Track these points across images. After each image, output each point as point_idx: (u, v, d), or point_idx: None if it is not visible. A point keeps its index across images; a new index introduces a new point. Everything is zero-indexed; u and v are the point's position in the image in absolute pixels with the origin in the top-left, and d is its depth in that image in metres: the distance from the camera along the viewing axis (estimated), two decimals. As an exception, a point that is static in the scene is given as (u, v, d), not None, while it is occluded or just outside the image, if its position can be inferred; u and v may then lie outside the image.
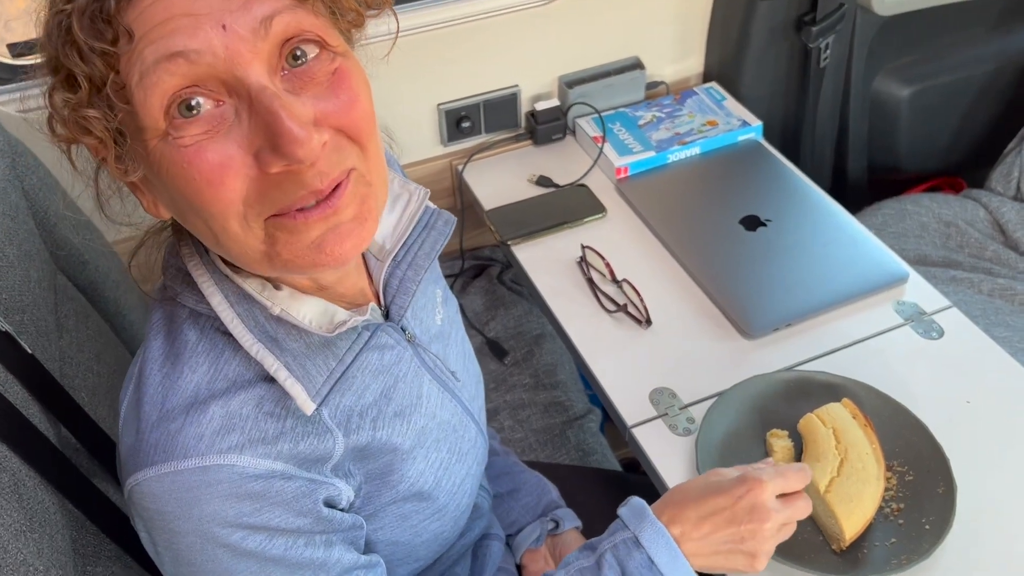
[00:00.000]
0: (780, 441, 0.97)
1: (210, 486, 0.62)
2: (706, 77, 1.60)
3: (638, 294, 1.17)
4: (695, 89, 1.53)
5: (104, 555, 0.83)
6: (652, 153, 1.39)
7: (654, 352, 1.12)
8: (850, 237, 1.24)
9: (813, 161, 1.70)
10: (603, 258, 1.23)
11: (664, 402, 1.05)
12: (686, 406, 1.04)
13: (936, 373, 1.06)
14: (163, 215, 0.65)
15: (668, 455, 0.99)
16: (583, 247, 1.25)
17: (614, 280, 1.21)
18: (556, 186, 1.39)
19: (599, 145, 1.41)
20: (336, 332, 0.66)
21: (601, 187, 1.38)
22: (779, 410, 1.01)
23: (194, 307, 0.68)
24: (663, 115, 1.47)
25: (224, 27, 0.54)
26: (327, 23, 0.59)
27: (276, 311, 0.65)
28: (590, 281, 1.21)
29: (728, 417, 1.00)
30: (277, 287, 0.68)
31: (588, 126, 1.45)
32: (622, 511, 0.80)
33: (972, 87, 1.78)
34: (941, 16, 1.69)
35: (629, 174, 1.38)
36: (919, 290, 1.18)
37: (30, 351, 0.82)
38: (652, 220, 1.30)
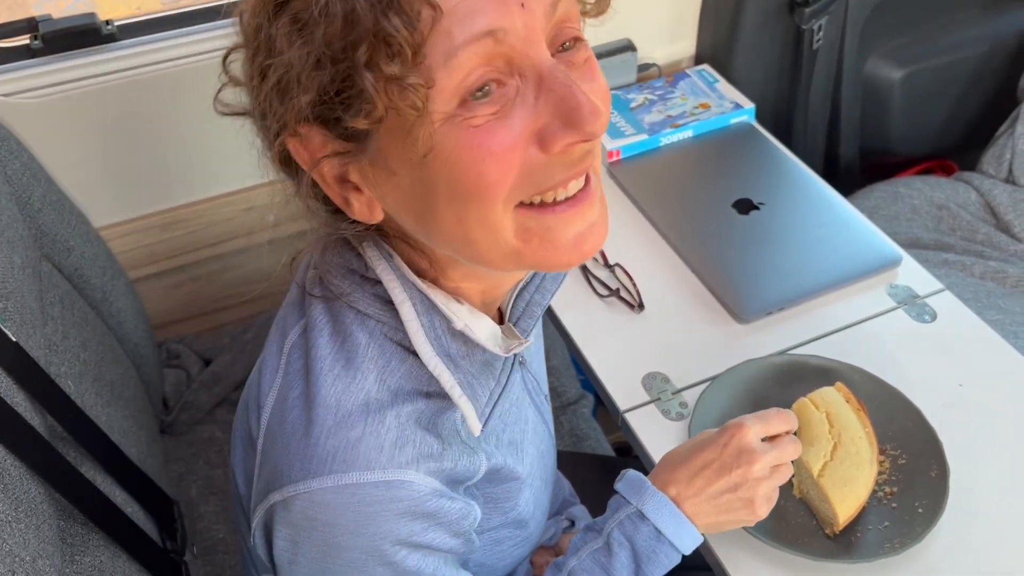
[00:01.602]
0: (773, 425, 0.97)
1: (391, 502, 0.60)
2: (698, 59, 1.59)
3: (630, 278, 1.17)
4: (687, 71, 1.51)
5: (92, 544, 0.82)
6: (644, 136, 1.38)
7: (647, 337, 1.11)
8: (843, 220, 1.23)
9: (806, 144, 1.69)
10: (595, 242, 1.22)
11: (656, 387, 1.05)
12: (679, 391, 1.04)
13: (929, 356, 1.06)
14: (375, 217, 0.61)
15: (661, 440, 0.99)
16: (575, 231, 1.24)
17: (606, 265, 1.20)
18: (547, 170, 1.38)
19: (591, 128, 1.40)
20: (511, 352, 0.66)
21: (593, 171, 1.37)
22: (772, 394, 1.00)
23: (364, 310, 0.65)
24: (655, 98, 1.46)
25: (523, 5, 0.54)
26: (578, 12, 0.60)
27: (459, 325, 0.64)
28: (582, 266, 1.21)
29: (721, 402, 1.00)
30: (459, 301, 0.66)
31: (579, 109, 1.44)
32: (619, 486, 0.79)
33: (965, 69, 1.77)
34: (934, -3, 1.69)
35: (621, 157, 1.37)
36: (912, 273, 1.17)
37: (14, 339, 0.81)
38: (644, 204, 1.29)
